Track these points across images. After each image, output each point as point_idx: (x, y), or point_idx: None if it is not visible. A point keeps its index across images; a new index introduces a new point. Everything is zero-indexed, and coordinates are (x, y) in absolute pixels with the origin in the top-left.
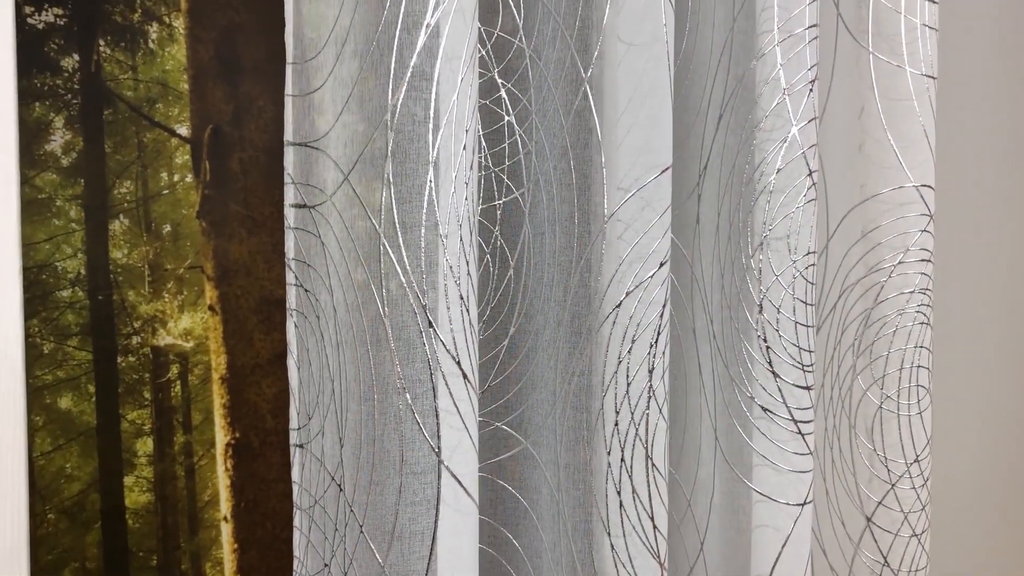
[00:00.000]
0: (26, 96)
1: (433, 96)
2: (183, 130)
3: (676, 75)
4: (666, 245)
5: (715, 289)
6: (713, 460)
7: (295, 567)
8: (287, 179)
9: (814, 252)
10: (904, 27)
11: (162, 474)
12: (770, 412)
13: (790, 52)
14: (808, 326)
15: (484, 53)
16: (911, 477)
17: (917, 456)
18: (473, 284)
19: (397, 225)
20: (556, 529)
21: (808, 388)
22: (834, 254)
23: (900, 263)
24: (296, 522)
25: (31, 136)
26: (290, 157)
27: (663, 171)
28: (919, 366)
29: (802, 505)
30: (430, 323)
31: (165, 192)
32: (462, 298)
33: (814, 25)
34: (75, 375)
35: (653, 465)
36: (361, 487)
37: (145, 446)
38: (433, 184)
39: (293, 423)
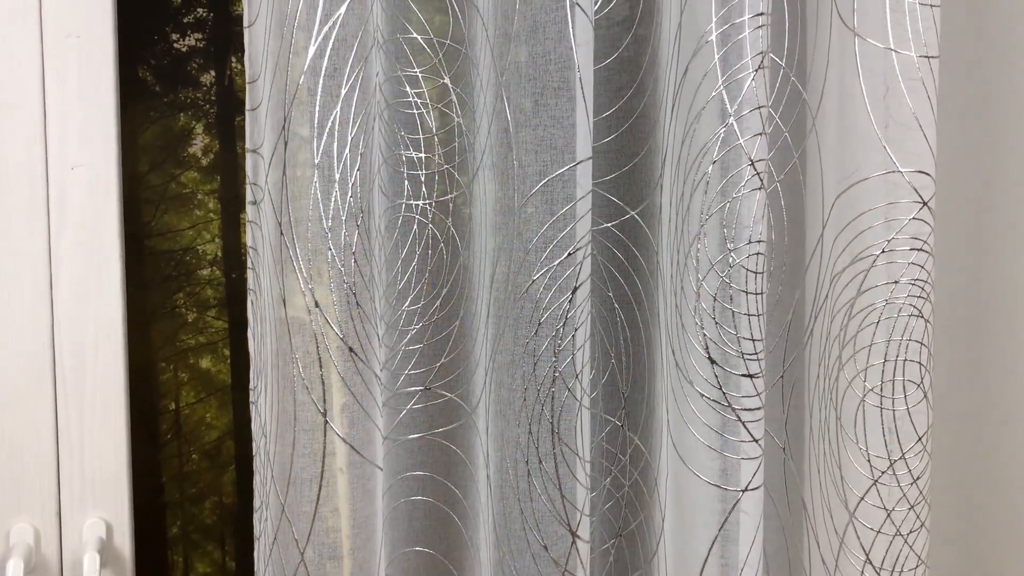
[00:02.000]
0: (173, 108)
1: (316, 109)
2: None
3: (645, 71)
4: (577, 234)
5: (667, 277)
6: (665, 443)
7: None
8: (247, 180)
9: (761, 241)
10: (889, 5)
11: None
12: (707, 398)
13: (729, 41)
14: (751, 315)
15: (436, 61)
16: (895, 474)
17: (903, 453)
18: (365, 274)
19: (292, 221)
20: (487, 492)
21: (751, 376)
22: (827, 242)
23: (884, 252)
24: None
25: (177, 141)
26: (248, 161)
27: (569, 167)
28: (908, 360)
29: (743, 491)
30: (316, 303)
31: None
32: (346, 284)
33: (760, 14)
34: (213, 340)
35: (560, 440)
36: (271, 439)
37: None
38: (317, 184)
39: (251, 383)
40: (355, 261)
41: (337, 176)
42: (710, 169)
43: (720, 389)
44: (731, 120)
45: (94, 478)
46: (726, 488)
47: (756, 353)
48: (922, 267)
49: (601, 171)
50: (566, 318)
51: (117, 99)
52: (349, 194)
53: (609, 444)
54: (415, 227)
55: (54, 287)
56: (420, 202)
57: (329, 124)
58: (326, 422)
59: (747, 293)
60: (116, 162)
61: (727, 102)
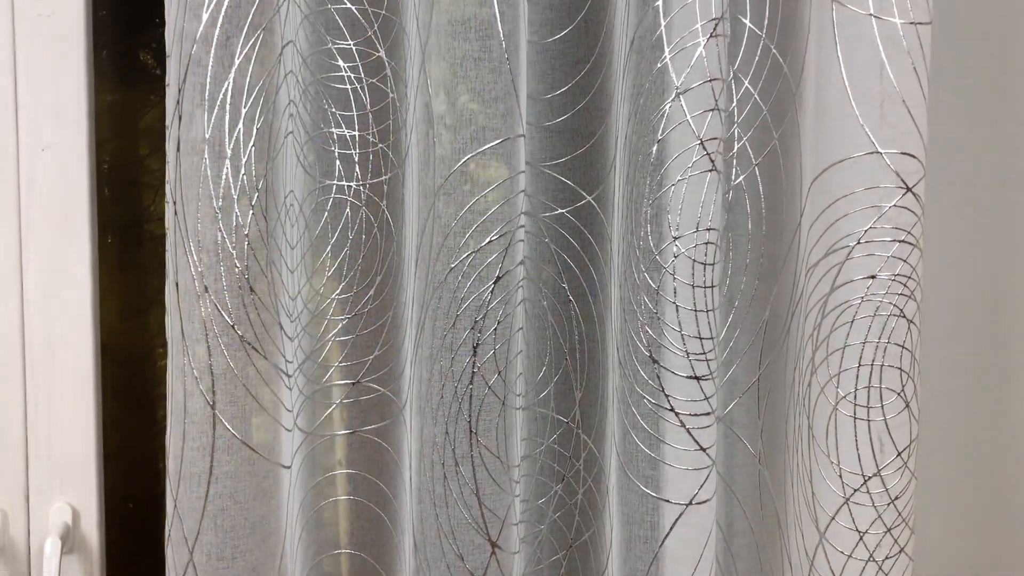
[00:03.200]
0: None
1: (208, 80)
2: None
3: (602, 43)
4: (501, 219)
5: (616, 267)
6: (612, 448)
7: None
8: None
9: (713, 229)
10: None
11: None
12: (648, 401)
13: (677, 5)
14: (699, 311)
15: (372, 33)
16: (869, 493)
17: (879, 469)
18: (261, 258)
19: (183, 199)
20: (408, 494)
21: (697, 378)
22: (803, 232)
23: (861, 243)
24: None
25: None
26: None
27: (492, 144)
28: (887, 365)
29: (687, 505)
30: (205, 288)
31: None
32: (238, 269)
33: None
34: None
35: (478, 441)
36: (169, 434)
37: None
38: (208, 161)
39: None
40: (248, 244)
41: (228, 152)
42: (654, 149)
43: (663, 392)
44: (677, 95)
45: (63, 463)
46: (668, 500)
47: (704, 353)
48: (904, 261)
49: (555, 152)
50: (487, 309)
51: (90, 78)
52: (242, 171)
53: (561, 447)
54: (347, 210)
55: (24, 271)
56: (353, 184)
57: (220, 96)
58: (215, 414)
59: (694, 287)
60: (87, 143)
61: (673, 74)
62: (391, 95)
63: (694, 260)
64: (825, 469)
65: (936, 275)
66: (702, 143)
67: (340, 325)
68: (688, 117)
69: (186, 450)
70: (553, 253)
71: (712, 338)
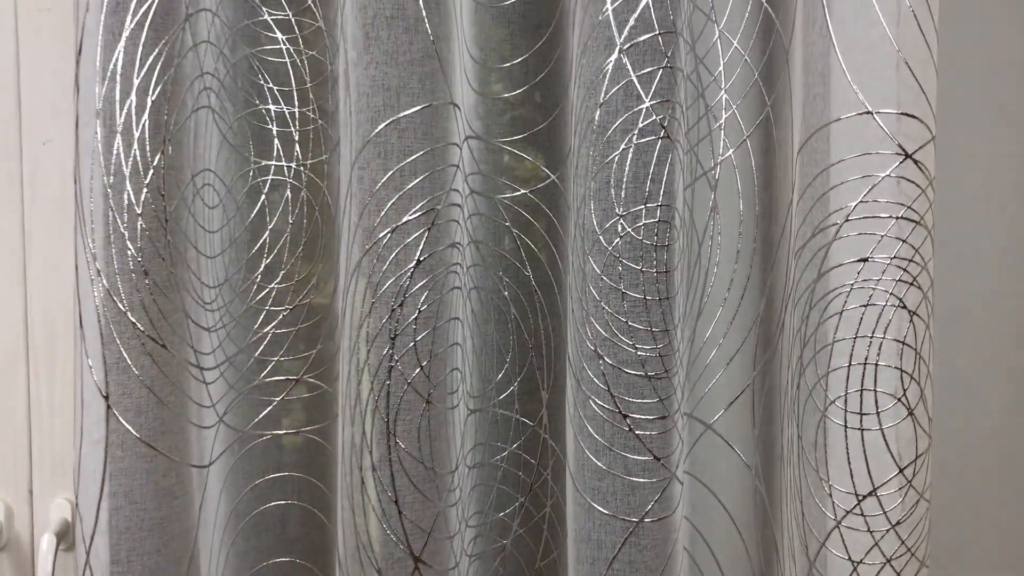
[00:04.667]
0: None
1: (99, 50)
2: None
3: (563, 4)
4: (421, 196)
5: (570, 251)
6: (566, 452)
7: None
8: None
9: (666, 205)
10: None
11: None
12: (594, 401)
13: None
14: (648, 299)
15: (311, 1)
16: (864, 516)
17: (874, 488)
18: (158, 240)
19: (79, 176)
20: (337, 500)
21: (649, 377)
22: (794, 211)
23: (850, 220)
24: None
25: None
26: None
27: (408, 112)
28: (882, 365)
29: (637, 522)
30: (98, 271)
31: None
32: (131, 251)
33: None
34: None
35: (397, 443)
36: (74, 427)
37: None
38: (99, 135)
39: None
40: (142, 225)
41: (120, 125)
42: (596, 114)
43: (608, 391)
44: (619, 50)
45: (64, 459)
46: (615, 516)
47: (656, 347)
48: (904, 241)
49: (514, 127)
50: (404, 296)
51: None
52: (135, 147)
53: (527, 454)
54: (287, 192)
55: (27, 263)
56: (293, 164)
57: (111, 67)
58: (109, 407)
59: (642, 271)
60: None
61: (614, 27)
62: (329, 68)
63: (643, 240)
64: (815, 487)
65: (967, 267)
66: (651, 107)
67: (279, 317)
68: (633, 76)
69: (84, 444)
70: (516, 238)
71: (667, 331)
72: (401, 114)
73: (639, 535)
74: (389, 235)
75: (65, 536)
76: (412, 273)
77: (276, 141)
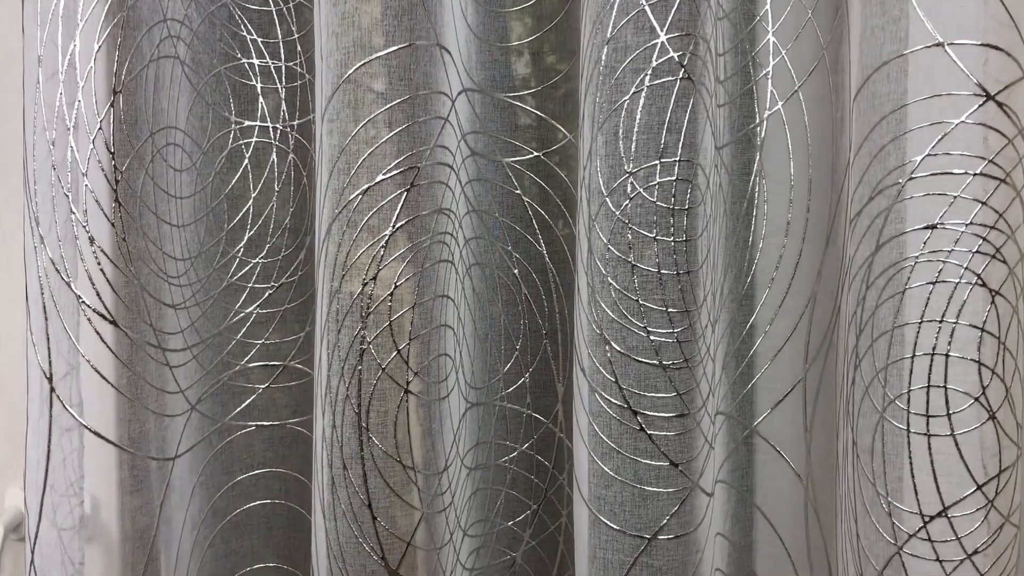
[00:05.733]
0: None
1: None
2: None
3: None
4: (398, 154)
5: (578, 219)
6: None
7: None
8: None
9: (686, 161)
10: None
11: None
12: (600, 394)
13: None
14: (663, 273)
15: None
16: (931, 541)
17: (944, 508)
18: (107, 204)
19: (26, 131)
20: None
21: (664, 367)
22: (852, 168)
23: (914, 178)
24: None
25: None
26: None
27: (381, 54)
28: (955, 356)
29: (649, 539)
30: (41, 238)
31: None
32: (75, 214)
33: None
34: None
35: (370, 438)
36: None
37: None
38: (41, 84)
39: None
40: (88, 184)
41: (62, 73)
42: (604, 53)
43: (616, 383)
44: None
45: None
46: (623, 531)
47: (674, 332)
48: (984, 204)
49: (526, 79)
50: (378, 268)
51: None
52: (79, 97)
53: (541, 455)
54: (273, 156)
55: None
56: (279, 125)
57: (53, 7)
58: (52, 389)
59: (657, 239)
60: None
61: None
62: (299, 49)
63: (656, 203)
64: (872, 503)
65: None
66: (667, 42)
67: (265, 295)
68: (645, 4)
69: (29, 432)
70: (527, 207)
71: (687, 311)
72: (373, 55)
73: (651, 555)
74: (360, 197)
75: (19, 527)
76: (387, 241)
77: (260, 99)
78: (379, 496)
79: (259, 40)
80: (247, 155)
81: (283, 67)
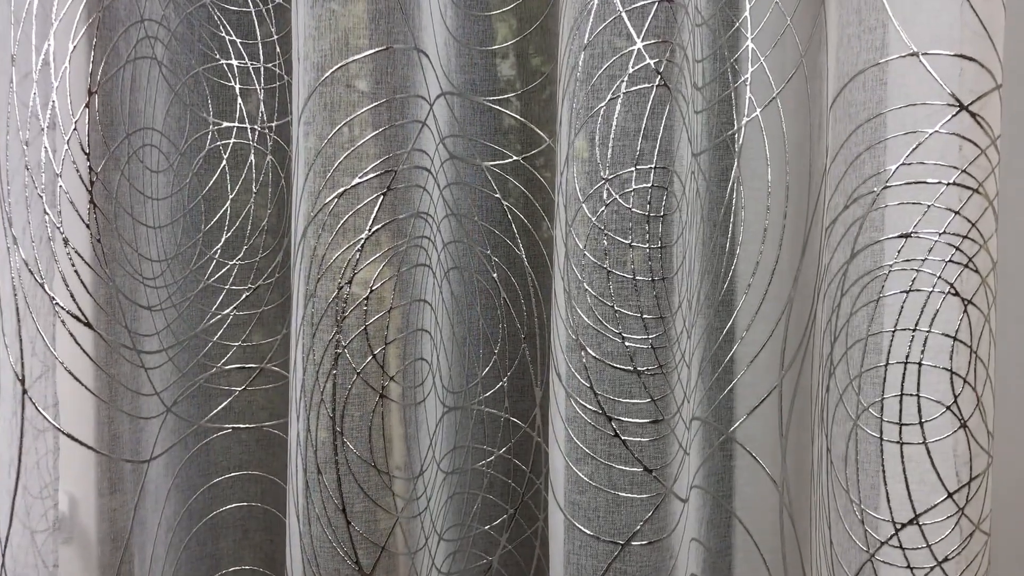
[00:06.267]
0: None
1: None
2: None
3: None
4: (375, 156)
5: (555, 224)
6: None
7: None
8: None
9: (661, 168)
10: None
11: None
12: (575, 399)
13: None
14: (638, 280)
15: None
16: (903, 549)
17: (916, 515)
18: (81, 205)
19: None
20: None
21: (637, 372)
22: (828, 176)
23: (889, 187)
24: None
25: None
26: None
27: (358, 57)
28: (928, 365)
29: (622, 545)
30: (14, 239)
31: None
32: (49, 216)
33: None
34: None
35: (344, 442)
36: None
37: None
38: (15, 83)
39: None
40: (62, 185)
41: (35, 73)
42: (580, 59)
43: (591, 389)
44: None
45: None
46: (597, 537)
47: (648, 338)
48: (958, 213)
49: (506, 83)
50: (354, 272)
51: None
52: (53, 97)
53: (519, 459)
54: (251, 158)
55: None
56: (256, 126)
57: (27, 6)
58: (24, 391)
59: (632, 246)
60: None
61: None
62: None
63: (632, 209)
64: (844, 510)
65: None
66: (642, 49)
67: (242, 297)
68: (622, 11)
69: (1, 433)
70: (506, 212)
71: (662, 318)
72: (350, 59)
73: (625, 561)
74: (336, 200)
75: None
76: (363, 245)
77: (239, 100)
78: (353, 501)
79: (238, 41)
80: (225, 156)
81: (262, 68)
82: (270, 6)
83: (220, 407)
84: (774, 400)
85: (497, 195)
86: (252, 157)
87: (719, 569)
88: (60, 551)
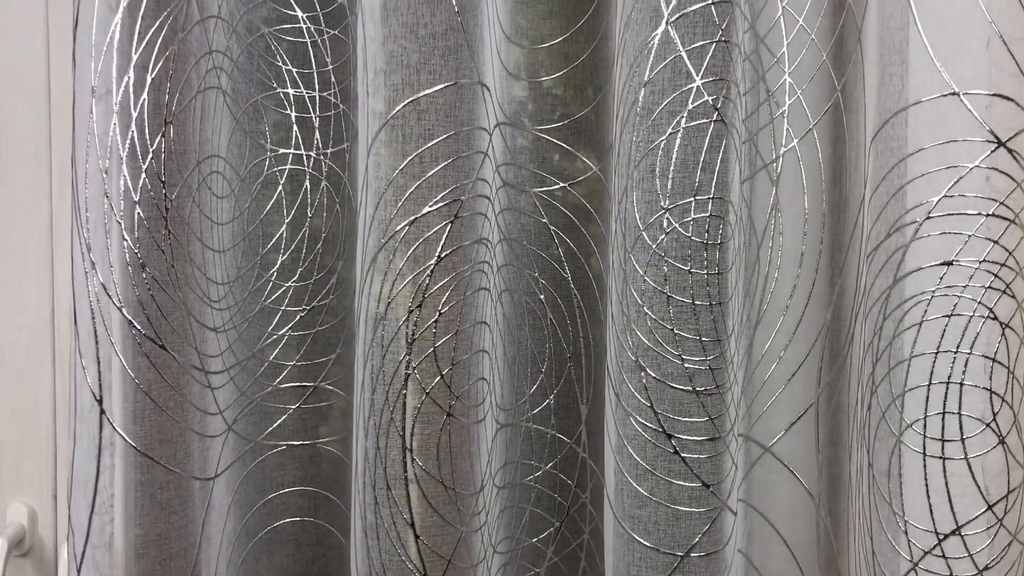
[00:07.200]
0: None
1: (95, 22)
2: None
3: None
4: (444, 186)
5: (611, 249)
6: (604, 482)
7: None
8: None
9: (719, 198)
10: None
11: None
12: (635, 418)
13: None
14: (697, 304)
15: None
16: (945, 558)
17: (958, 526)
18: (157, 231)
19: (75, 158)
20: (352, 522)
21: (696, 392)
22: (866, 208)
23: (931, 218)
24: None
25: None
26: None
27: (428, 92)
28: (969, 384)
29: (682, 556)
30: (92, 264)
31: None
32: (128, 242)
33: None
34: None
35: (414, 459)
36: (69, 433)
37: None
38: (94, 112)
39: None
40: (140, 212)
41: (116, 104)
42: (641, 95)
43: (651, 408)
44: (667, 21)
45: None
46: (657, 549)
47: (707, 359)
48: (996, 242)
49: (553, 113)
50: (424, 296)
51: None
52: (132, 128)
53: (564, 474)
54: (306, 183)
55: (55, 260)
56: (312, 153)
57: (107, 41)
58: (102, 411)
59: (691, 271)
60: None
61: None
62: (351, 47)
63: (691, 238)
64: (888, 522)
65: None
66: (701, 86)
67: (296, 318)
68: (682, 51)
69: (76, 451)
70: (553, 236)
71: (718, 340)
72: (421, 93)
73: (684, 571)
74: (407, 228)
75: (20, 543)
76: (432, 271)
77: (295, 128)
78: (422, 515)
79: (294, 70)
80: (281, 182)
81: (317, 97)
82: (325, 37)
83: (275, 424)
84: (811, 416)
85: (544, 220)
86: (307, 183)
87: None
88: (131, 568)
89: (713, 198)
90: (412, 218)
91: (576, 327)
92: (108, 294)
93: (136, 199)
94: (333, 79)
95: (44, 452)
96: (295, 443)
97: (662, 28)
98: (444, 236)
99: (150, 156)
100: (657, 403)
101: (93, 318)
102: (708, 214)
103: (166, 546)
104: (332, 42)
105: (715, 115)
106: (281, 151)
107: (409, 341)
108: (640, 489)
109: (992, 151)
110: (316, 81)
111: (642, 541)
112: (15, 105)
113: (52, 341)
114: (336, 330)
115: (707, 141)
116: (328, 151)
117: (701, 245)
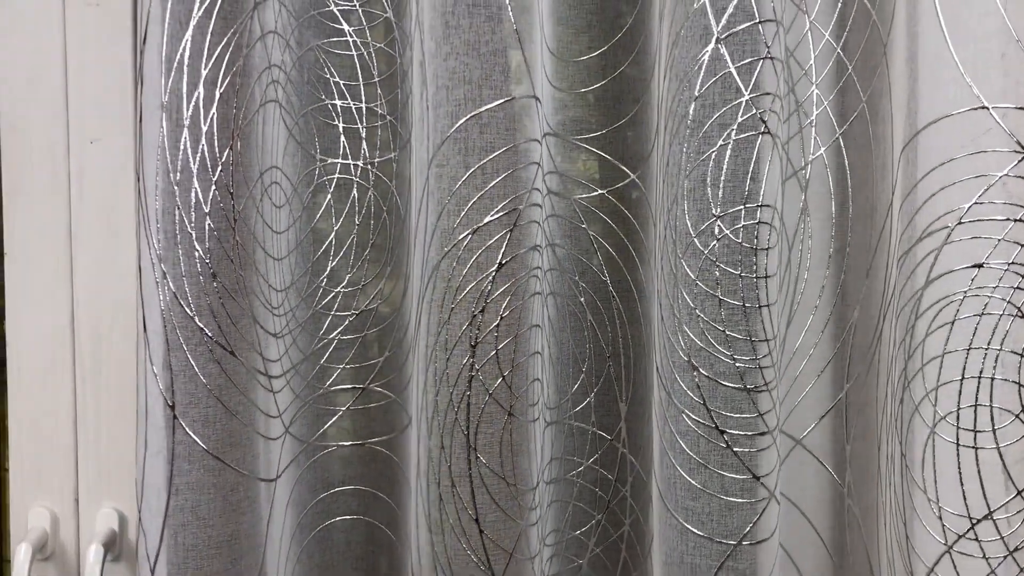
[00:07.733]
0: None
1: (164, 39)
2: None
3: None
4: (504, 194)
5: (660, 254)
6: (653, 472)
7: None
8: None
9: (766, 206)
10: None
11: None
12: (688, 415)
13: None
14: (747, 307)
15: None
16: (979, 541)
17: (990, 511)
18: (227, 241)
19: (144, 173)
20: (413, 517)
21: (747, 390)
22: (895, 213)
23: (963, 223)
24: None
25: None
26: None
27: (490, 107)
28: (999, 379)
29: (735, 544)
30: (164, 274)
31: None
32: (198, 252)
33: None
34: None
35: (477, 457)
36: (136, 437)
37: None
38: (165, 129)
39: None
40: (210, 225)
41: (187, 119)
42: (691, 108)
43: (704, 405)
44: (716, 40)
45: (110, 467)
46: (711, 538)
47: (756, 359)
48: (1023, 246)
49: (593, 123)
50: (486, 301)
51: (136, 70)
52: (202, 142)
53: (605, 469)
54: (354, 192)
55: (74, 266)
56: (360, 163)
57: (178, 57)
58: (175, 416)
59: (741, 276)
60: (134, 135)
61: (711, 15)
62: (399, 60)
63: (741, 243)
64: (922, 508)
65: None
66: (751, 100)
67: (345, 323)
68: (732, 67)
69: (148, 456)
70: (592, 241)
71: (767, 340)
72: (483, 108)
73: (737, 559)
74: (470, 237)
75: (112, 546)
76: (494, 277)
77: (343, 138)
78: (486, 511)
79: (341, 83)
80: (330, 191)
81: (364, 108)
82: (371, 50)
83: (327, 426)
84: (839, 410)
85: (584, 225)
86: (355, 191)
87: (791, 567)
88: (202, 566)
89: (761, 205)
90: (475, 227)
91: (615, 328)
92: (180, 303)
93: (207, 211)
94: (379, 91)
95: (65, 457)
96: (345, 444)
97: (711, 46)
98: (504, 244)
99: (219, 169)
100: (710, 400)
101: (165, 326)
102: (756, 220)
103: (237, 546)
104: (379, 55)
105: (763, 127)
106: (330, 161)
107: (473, 344)
108: (693, 482)
109: (1019, 161)
110: (363, 93)
111: (696, 531)
112: (32, 115)
113: (72, 348)
114: (384, 334)
115: (755, 152)
116: (375, 160)
117: (751, 250)
